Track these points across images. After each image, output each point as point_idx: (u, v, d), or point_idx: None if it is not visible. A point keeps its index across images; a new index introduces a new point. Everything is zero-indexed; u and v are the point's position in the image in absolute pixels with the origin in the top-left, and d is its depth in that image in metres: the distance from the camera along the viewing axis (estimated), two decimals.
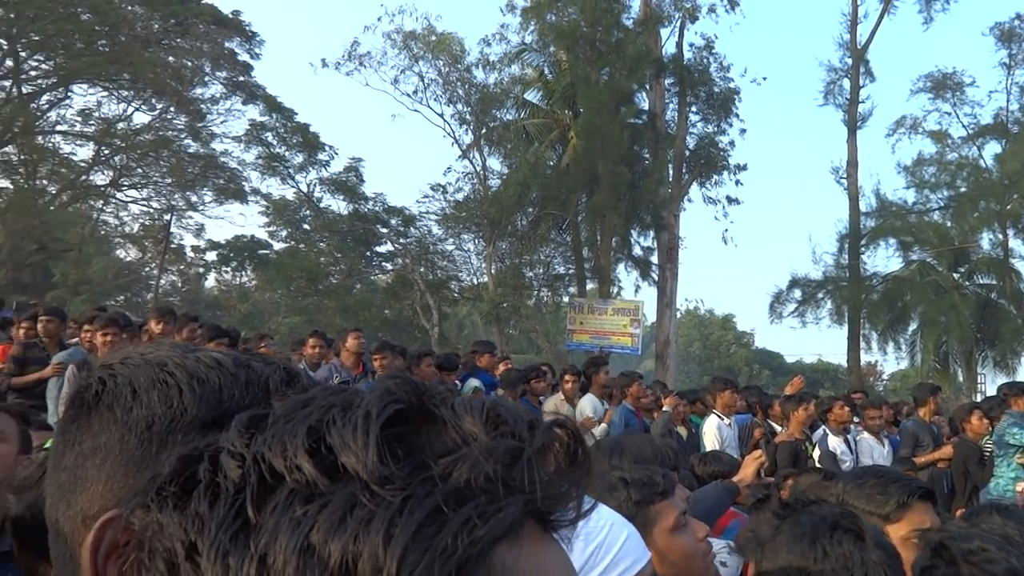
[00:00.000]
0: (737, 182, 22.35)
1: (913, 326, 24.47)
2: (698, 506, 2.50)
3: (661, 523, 1.73)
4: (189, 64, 22.37)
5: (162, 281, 30.22)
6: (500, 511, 0.36)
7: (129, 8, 20.86)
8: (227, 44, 22.85)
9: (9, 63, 19.96)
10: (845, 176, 22.86)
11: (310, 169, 24.51)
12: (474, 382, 7.70)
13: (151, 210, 26.01)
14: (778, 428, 7.36)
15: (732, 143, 22.18)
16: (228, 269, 34.34)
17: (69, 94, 21.84)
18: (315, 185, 24.62)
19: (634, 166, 19.79)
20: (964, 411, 7.09)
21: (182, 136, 23.75)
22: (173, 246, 28.82)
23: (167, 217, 26.04)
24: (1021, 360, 23.07)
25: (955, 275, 23.82)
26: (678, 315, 25.57)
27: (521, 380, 7.65)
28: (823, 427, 6.97)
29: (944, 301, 22.31)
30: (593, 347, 16.94)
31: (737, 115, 22.19)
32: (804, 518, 1.46)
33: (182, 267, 33.78)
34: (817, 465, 6.12)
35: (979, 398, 18.03)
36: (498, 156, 22.80)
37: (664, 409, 7.47)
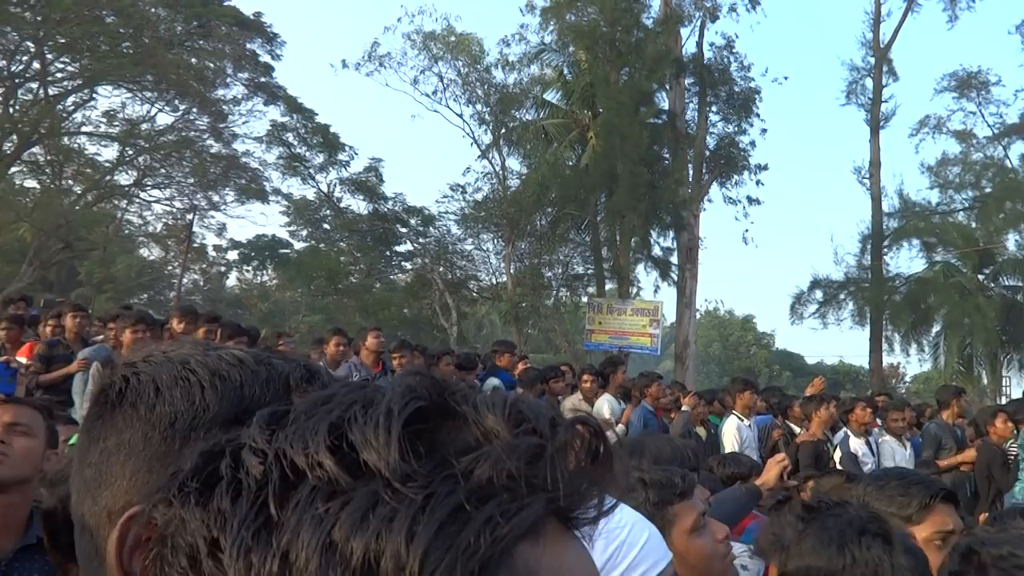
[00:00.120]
0: (758, 182, 22.20)
1: (937, 328, 24.20)
2: (720, 509, 2.49)
3: (680, 524, 1.71)
4: (211, 65, 22.55)
5: (184, 279, 30.59)
6: (522, 509, 0.36)
7: (152, 10, 21.08)
8: (249, 45, 23.01)
9: (36, 65, 20.24)
10: (868, 176, 22.61)
11: (330, 169, 24.68)
12: (494, 381, 7.69)
13: (174, 210, 26.27)
14: (797, 430, 7.30)
15: (753, 143, 22.03)
16: (249, 268, 34.63)
17: (94, 96, 22.08)
18: (335, 185, 24.81)
19: (654, 166, 19.66)
20: (988, 414, 6.99)
21: (204, 137, 23.95)
22: (195, 245, 29.10)
23: (189, 216, 26.32)
24: None
25: (980, 277, 23.51)
26: (698, 316, 25.45)
27: (540, 380, 7.66)
28: (844, 429, 6.90)
29: (968, 303, 22.00)
30: (612, 347, 16.85)
31: (758, 115, 22.04)
32: (830, 521, 1.44)
33: (204, 266, 34.11)
34: (839, 467, 6.06)
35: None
36: (517, 156, 22.86)
37: (683, 409, 7.44)
